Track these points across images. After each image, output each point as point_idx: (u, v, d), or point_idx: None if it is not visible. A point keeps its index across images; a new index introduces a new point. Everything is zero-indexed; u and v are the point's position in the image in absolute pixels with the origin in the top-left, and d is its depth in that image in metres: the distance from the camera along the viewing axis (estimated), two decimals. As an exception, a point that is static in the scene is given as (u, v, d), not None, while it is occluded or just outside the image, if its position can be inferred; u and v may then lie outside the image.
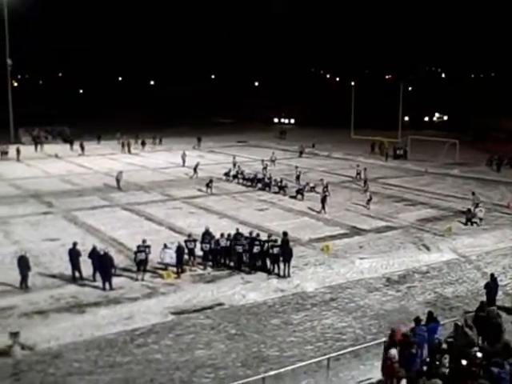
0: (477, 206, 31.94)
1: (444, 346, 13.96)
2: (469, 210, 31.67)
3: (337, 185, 42.10)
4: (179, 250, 22.97)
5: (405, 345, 13.79)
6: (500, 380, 12.15)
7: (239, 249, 23.47)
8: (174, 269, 22.99)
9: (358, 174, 44.28)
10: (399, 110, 60.70)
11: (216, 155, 59.89)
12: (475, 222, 31.03)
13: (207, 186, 39.40)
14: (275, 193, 39.25)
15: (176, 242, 23.92)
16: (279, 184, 39.74)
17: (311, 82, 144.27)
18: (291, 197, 37.75)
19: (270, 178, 41.21)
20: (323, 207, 33.63)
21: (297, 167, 44.88)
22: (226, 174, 44.63)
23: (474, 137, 70.98)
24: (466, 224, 31.02)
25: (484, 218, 31.28)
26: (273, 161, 51.19)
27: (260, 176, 42.45)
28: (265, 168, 46.41)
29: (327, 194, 35.36)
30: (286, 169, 48.27)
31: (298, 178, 42.33)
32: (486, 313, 15.98)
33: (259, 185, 41.08)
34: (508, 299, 20.34)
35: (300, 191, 37.61)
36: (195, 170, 45.55)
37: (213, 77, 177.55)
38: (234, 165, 47.22)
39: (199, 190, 40.07)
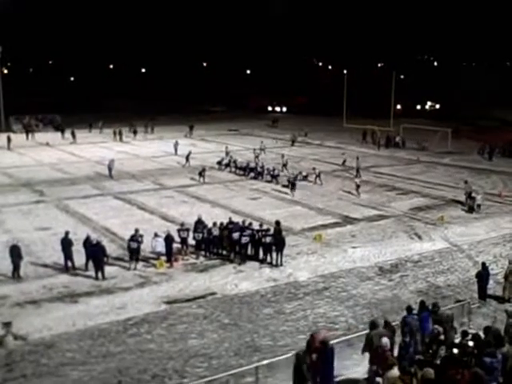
0: (469, 194, 32.03)
1: (442, 337, 13.89)
2: (472, 197, 31.70)
3: (329, 174, 42.13)
4: (168, 239, 22.94)
5: (321, 352, 13.18)
6: (492, 369, 12.16)
7: (245, 240, 23.23)
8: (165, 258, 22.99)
9: (344, 161, 45.36)
10: (391, 99, 60.57)
11: (208, 144, 59.68)
12: (474, 210, 31.24)
13: (200, 174, 39.29)
14: (268, 182, 39.27)
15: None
16: (271, 173, 39.70)
17: (304, 71, 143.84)
18: (284, 186, 37.76)
19: (262, 167, 41.14)
20: (291, 190, 35.00)
21: (283, 156, 44.83)
22: (219, 163, 44.51)
23: (471, 125, 71.00)
24: (469, 211, 31.22)
25: (482, 204, 31.53)
26: (262, 149, 51.02)
27: (252, 165, 42.38)
28: (257, 157, 46.36)
29: (318, 182, 35.23)
30: (278, 157, 48.17)
31: (284, 166, 42.43)
32: (440, 316, 15.68)
33: (252, 174, 41.04)
34: (499, 288, 20.44)
35: (292, 182, 36.86)
36: (187, 158, 45.43)
37: (204, 65, 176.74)
38: (227, 154, 47.12)
39: (192, 179, 39.98)
